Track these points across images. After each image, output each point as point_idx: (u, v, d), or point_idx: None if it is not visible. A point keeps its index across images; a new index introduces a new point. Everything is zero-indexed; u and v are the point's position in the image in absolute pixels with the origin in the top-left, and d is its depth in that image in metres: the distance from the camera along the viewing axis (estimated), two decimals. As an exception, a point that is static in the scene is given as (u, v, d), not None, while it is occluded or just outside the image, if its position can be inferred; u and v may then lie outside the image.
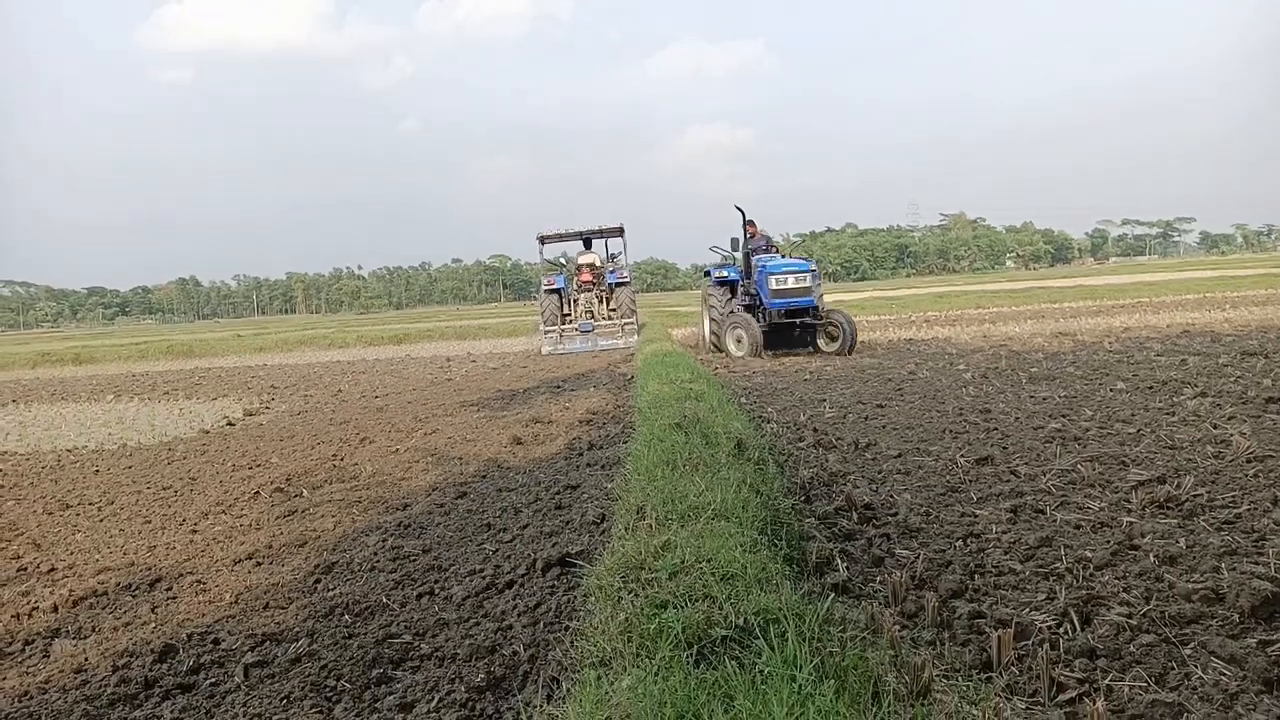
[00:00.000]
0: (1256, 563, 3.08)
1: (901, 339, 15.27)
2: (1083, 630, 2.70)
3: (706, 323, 14.65)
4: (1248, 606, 2.66)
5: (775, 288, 13.01)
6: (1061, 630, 2.71)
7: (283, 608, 3.68)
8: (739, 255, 14.43)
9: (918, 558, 3.46)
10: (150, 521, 5.42)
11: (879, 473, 5.09)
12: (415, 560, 4.14)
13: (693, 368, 8.49)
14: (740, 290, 14.16)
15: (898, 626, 2.77)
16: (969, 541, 3.68)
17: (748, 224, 14.35)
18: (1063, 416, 6.35)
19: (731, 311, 13.72)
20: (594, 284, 19.54)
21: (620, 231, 20.11)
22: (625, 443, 6.05)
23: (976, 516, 4.01)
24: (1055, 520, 3.86)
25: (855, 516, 4.16)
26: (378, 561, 4.16)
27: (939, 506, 4.27)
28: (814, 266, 13.50)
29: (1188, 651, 2.49)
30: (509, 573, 3.78)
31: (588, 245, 20.43)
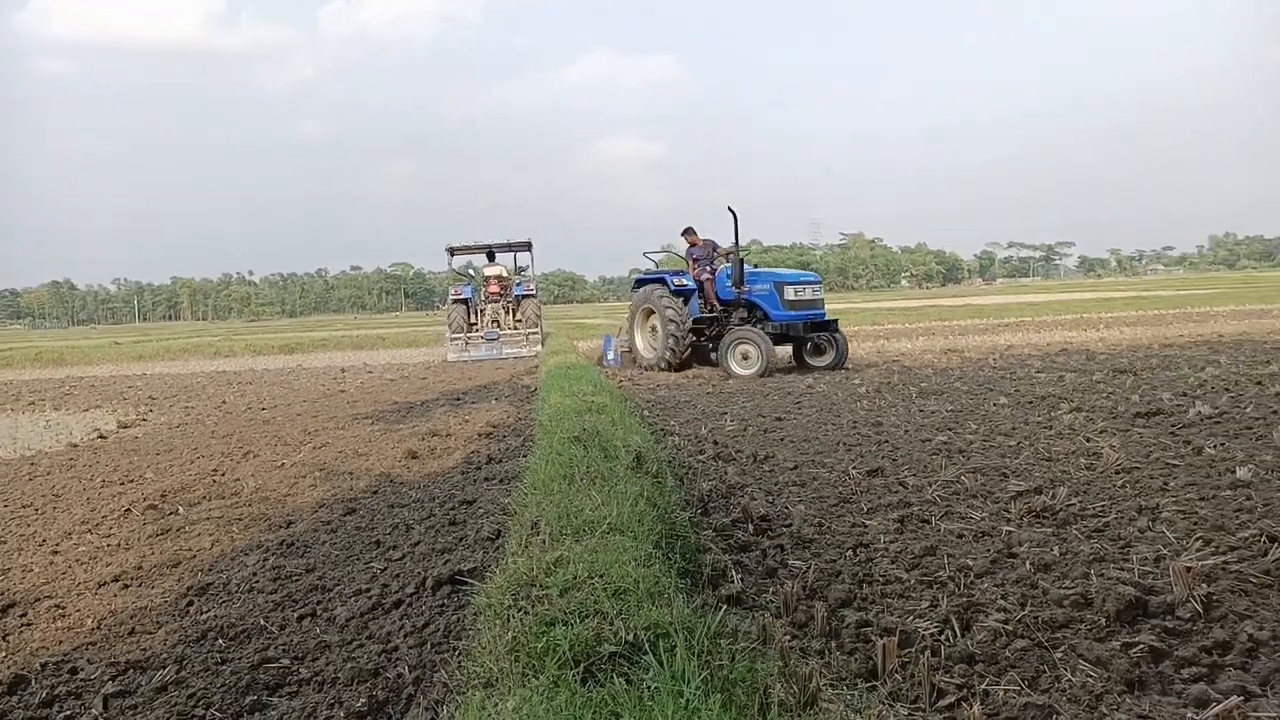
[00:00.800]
0: (1122, 569, 3.24)
1: (800, 354, 15.61)
2: (963, 636, 2.78)
3: (647, 336, 13.30)
4: (1113, 611, 2.79)
5: (792, 298, 12.05)
6: (943, 637, 2.78)
7: (150, 633, 3.45)
8: (690, 260, 13.35)
9: (809, 568, 3.51)
10: (5, 542, 5.01)
11: (776, 484, 5.16)
12: (298, 580, 3.95)
13: (596, 380, 8.46)
14: (699, 302, 12.94)
15: (788, 637, 2.79)
16: (858, 551, 3.76)
17: (687, 231, 13.50)
18: (949, 430, 6.59)
19: (691, 321, 12.66)
20: (501, 295, 20.31)
21: (528, 246, 21.18)
22: (525, 456, 5.96)
23: (866, 527, 4.11)
24: (940, 530, 3.98)
25: (751, 528, 4.19)
26: (257, 582, 3.96)
27: (831, 517, 4.35)
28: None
29: (1058, 655, 2.59)
30: (397, 592, 3.65)
31: (491, 258, 21.35)
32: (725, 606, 2.98)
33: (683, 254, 13.81)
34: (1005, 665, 2.56)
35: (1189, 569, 3.01)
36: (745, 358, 11.54)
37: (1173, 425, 6.26)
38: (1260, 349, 11.96)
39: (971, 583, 3.25)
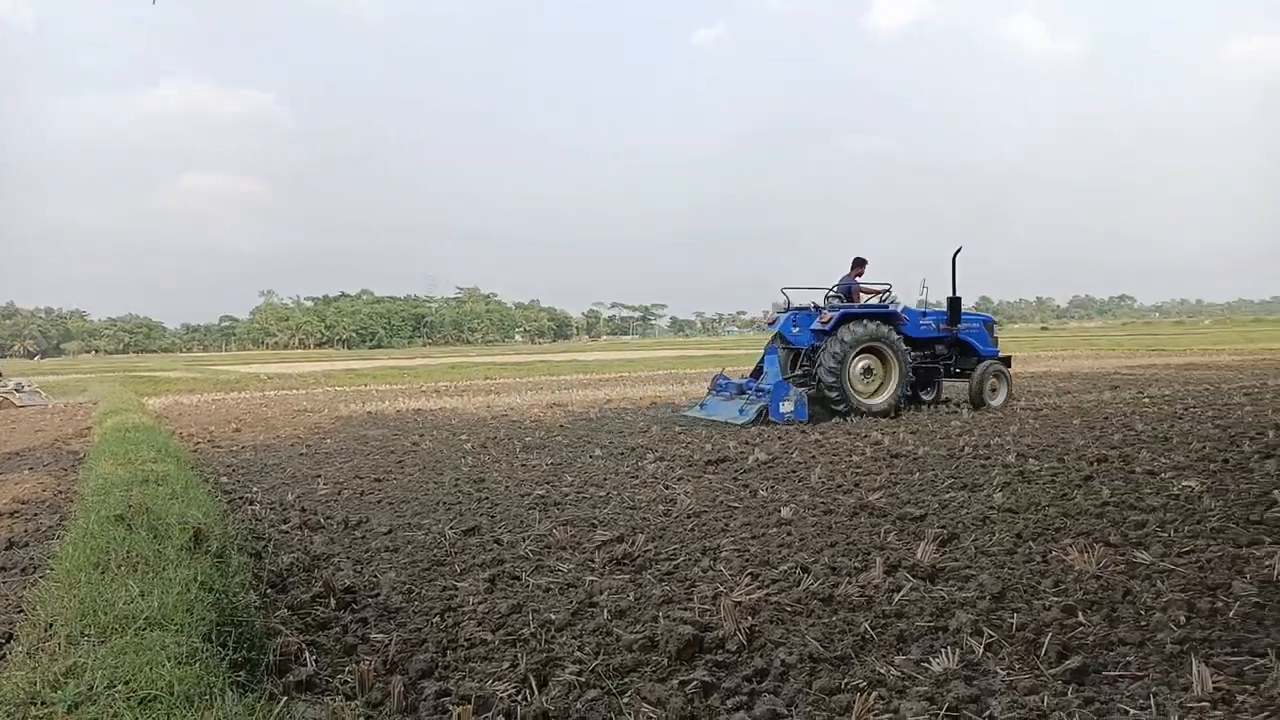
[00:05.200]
0: (686, 609, 3.52)
1: (411, 409, 15.27)
2: (539, 693, 2.79)
3: (855, 377, 11.43)
4: (674, 650, 3.00)
5: (997, 335, 13.42)
6: (520, 697, 2.77)
7: None
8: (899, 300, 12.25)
9: (392, 640, 3.32)
10: None
11: (366, 552, 4.89)
12: None
13: (161, 444, 7.41)
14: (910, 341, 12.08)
15: (361, 719, 2.59)
16: (446, 616, 3.66)
17: (861, 263, 12.38)
18: (547, 483, 6.81)
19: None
20: None
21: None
22: (59, 539, 4.97)
23: (457, 589, 4.02)
24: (529, 586, 4.03)
25: (334, 602, 3.89)
26: None
27: (422, 582, 4.20)
28: None
29: (625, 700, 2.71)
30: None
31: None
32: (291, 695, 2.70)
33: (833, 289, 12.48)
34: (576, 718, 2.61)
35: (738, 603, 3.37)
36: (994, 391, 12.41)
37: (736, 471, 7.12)
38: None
39: (552, 637, 3.31)
